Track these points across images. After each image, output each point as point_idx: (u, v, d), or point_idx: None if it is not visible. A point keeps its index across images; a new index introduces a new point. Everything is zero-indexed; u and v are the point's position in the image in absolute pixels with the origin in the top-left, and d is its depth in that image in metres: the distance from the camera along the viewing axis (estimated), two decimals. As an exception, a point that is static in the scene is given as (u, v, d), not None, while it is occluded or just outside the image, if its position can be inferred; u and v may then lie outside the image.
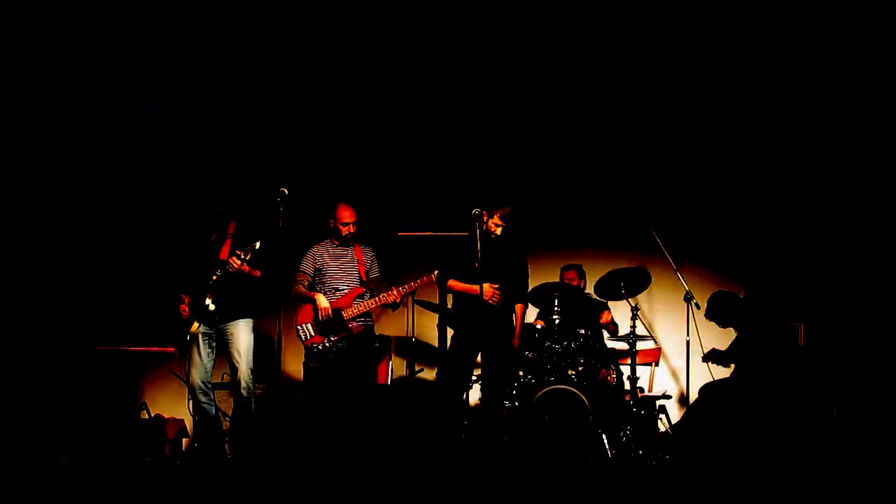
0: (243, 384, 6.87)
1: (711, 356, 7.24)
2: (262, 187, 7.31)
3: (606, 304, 8.06)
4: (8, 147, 8.08)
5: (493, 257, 7.01)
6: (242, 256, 6.74)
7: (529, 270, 7.29)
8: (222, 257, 6.95)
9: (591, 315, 7.95)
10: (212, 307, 6.84)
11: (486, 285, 6.87)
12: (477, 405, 7.39)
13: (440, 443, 6.24)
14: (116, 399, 7.70)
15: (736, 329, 7.38)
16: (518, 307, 7.21)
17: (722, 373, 7.64)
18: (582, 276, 8.09)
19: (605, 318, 7.98)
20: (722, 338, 7.71)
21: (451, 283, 6.99)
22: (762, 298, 7.39)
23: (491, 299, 6.90)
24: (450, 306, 7.29)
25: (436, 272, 7.00)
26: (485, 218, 6.94)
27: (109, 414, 7.45)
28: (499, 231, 6.99)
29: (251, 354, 6.92)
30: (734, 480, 6.32)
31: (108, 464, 7.00)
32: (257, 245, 6.73)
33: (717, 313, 7.32)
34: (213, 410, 6.95)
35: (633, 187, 8.48)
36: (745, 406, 6.98)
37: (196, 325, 6.87)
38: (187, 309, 6.89)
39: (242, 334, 6.93)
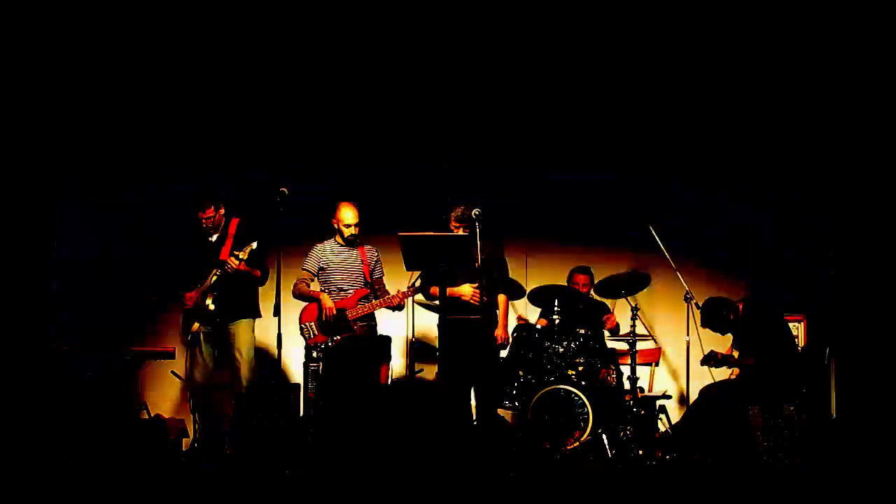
0: (245, 384, 6.87)
1: (711, 359, 7.24)
2: (263, 187, 7.29)
3: (608, 307, 8.07)
4: (9, 146, 8.09)
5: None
6: (240, 256, 6.75)
7: (532, 269, 7.29)
8: (222, 257, 6.96)
9: (592, 316, 7.95)
10: (212, 307, 6.84)
11: (465, 285, 6.88)
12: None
13: (442, 444, 6.23)
14: (116, 399, 7.70)
15: (733, 334, 7.38)
16: (501, 298, 7.13)
17: (722, 374, 7.65)
18: (592, 280, 8.04)
19: (610, 323, 7.96)
20: (720, 338, 7.71)
21: (434, 291, 6.94)
22: (759, 300, 7.39)
23: (472, 299, 6.88)
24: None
25: (416, 285, 6.98)
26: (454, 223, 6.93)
27: (109, 414, 7.45)
28: (461, 231, 6.86)
29: (253, 354, 6.93)
30: (734, 480, 6.33)
31: (109, 464, 6.99)
32: (254, 245, 6.74)
33: (711, 321, 7.31)
34: (215, 410, 6.95)
35: (633, 185, 8.49)
36: (744, 406, 6.98)
37: (197, 324, 6.87)
38: (192, 298, 6.88)
39: (244, 334, 6.94)
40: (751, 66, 8.30)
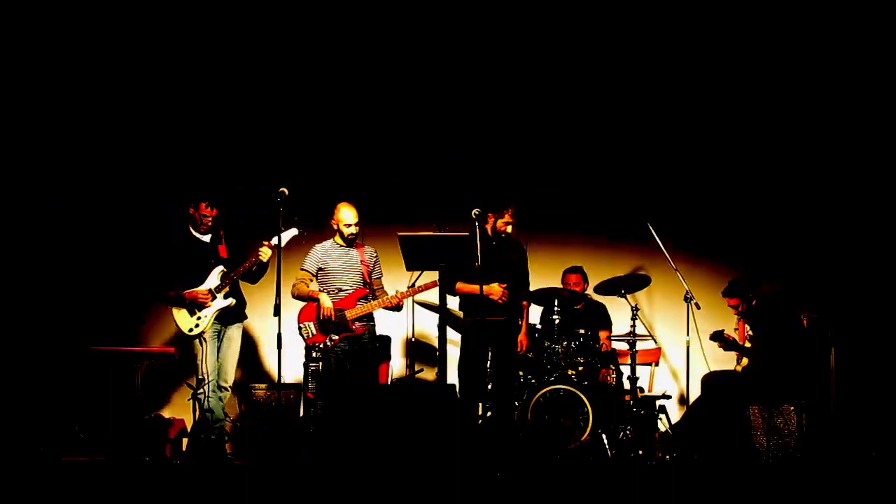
0: (228, 385, 6.95)
1: (719, 338, 7.23)
2: (262, 186, 7.27)
3: (607, 313, 8.06)
4: (11, 149, 8.09)
5: (497, 256, 7.06)
6: (276, 244, 6.69)
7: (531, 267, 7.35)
8: (223, 256, 6.97)
9: (591, 316, 7.95)
10: (233, 302, 6.91)
11: (494, 284, 6.96)
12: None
13: (442, 443, 6.23)
14: (116, 399, 7.70)
15: (749, 319, 7.36)
16: (523, 304, 7.31)
17: (719, 365, 7.66)
18: (585, 278, 8.08)
19: (602, 338, 7.93)
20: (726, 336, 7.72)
21: (459, 285, 7.04)
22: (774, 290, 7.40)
23: (500, 299, 6.97)
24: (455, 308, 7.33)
25: (416, 285, 7.03)
26: (491, 219, 7.02)
27: (109, 414, 7.45)
28: (509, 229, 7.07)
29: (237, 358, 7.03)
30: (734, 480, 6.32)
31: (109, 464, 6.99)
32: (296, 231, 6.73)
33: (733, 292, 7.32)
34: (221, 409, 6.98)
35: (632, 182, 8.48)
36: (746, 404, 6.98)
37: (208, 325, 6.87)
38: (206, 297, 6.88)
39: (237, 337, 7.00)
40: (755, 70, 8.32)
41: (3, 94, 8.00)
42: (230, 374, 7.01)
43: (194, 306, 6.86)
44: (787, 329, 7.18)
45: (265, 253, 6.81)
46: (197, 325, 6.86)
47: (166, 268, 6.97)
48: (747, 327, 7.62)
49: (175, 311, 6.91)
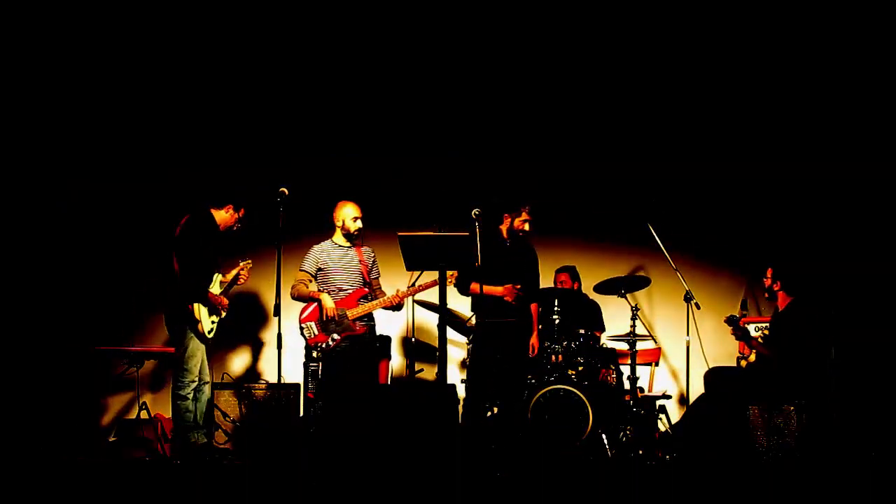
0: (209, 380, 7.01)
1: (733, 322, 7.22)
2: (262, 186, 7.28)
3: (600, 312, 8.07)
4: (12, 151, 8.09)
5: (511, 258, 7.06)
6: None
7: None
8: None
9: (587, 315, 7.96)
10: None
11: (508, 286, 7.00)
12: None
13: (442, 444, 6.24)
14: (116, 399, 7.71)
15: (785, 304, 7.36)
16: (533, 306, 7.29)
17: (719, 364, 7.66)
18: (576, 278, 8.10)
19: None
20: (720, 338, 7.72)
21: (474, 286, 7.03)
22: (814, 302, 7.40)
23: (513, 301, 6.98)
24: (461, 308, 7.34)
25: (455, 274, 7.01)
26: (507, 219, 7.07)
27: (110, 413, 7.46)
28: (527, 227, 7.06)
29: None
30: (734, 480, 6.33)
31: (109, 463, 7.00)
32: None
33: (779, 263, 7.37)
34: (206, 404, 7.02)
35: (632, 182, 8.48)
36: (748, 401, 6.98)
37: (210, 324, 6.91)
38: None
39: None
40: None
41: (3, 95, 7.99)
42: (208, 369, 7.04)
43: (214, 310, 6.88)
44: (811, 337, 7.18)
45: (244, 277, 7.01)
46: (213, 329, 6.89)
47: (198, 265, 6.84)
48: (749, 326, 7.62)
49: (201, 312, 6.85)
